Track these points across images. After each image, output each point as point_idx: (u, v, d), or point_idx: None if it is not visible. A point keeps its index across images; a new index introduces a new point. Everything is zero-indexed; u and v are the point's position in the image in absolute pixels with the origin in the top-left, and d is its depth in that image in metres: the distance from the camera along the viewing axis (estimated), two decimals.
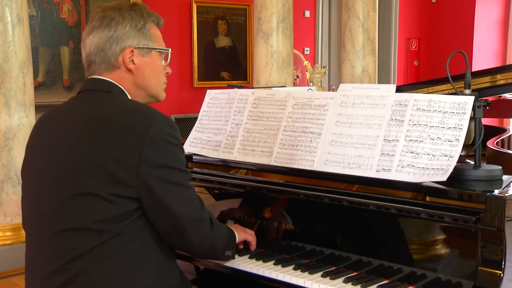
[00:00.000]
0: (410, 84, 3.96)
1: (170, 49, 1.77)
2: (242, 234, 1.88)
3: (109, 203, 1.50)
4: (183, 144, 2.37)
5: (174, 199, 1.56)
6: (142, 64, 1.68)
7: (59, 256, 1.53)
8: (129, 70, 1.67)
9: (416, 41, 8.64)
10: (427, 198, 1.70)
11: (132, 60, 1.66)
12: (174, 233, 1.60)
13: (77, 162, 1.53)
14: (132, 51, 1.66)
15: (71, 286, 1.51)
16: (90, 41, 1.65)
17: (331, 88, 6.45)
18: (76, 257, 1.51)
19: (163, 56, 1.75)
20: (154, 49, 1.71)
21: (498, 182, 1.72)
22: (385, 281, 1.69)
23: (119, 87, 1.66)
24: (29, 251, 1.64)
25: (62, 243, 1.53)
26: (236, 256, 1.89)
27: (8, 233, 4.03)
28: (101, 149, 1.51)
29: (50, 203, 1.56)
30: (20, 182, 4.08)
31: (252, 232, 1.93)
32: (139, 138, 1.51)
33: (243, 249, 1.92)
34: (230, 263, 1.86)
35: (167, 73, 1.79)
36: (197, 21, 6.54)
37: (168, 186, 1.55)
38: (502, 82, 2.66)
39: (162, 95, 1.80)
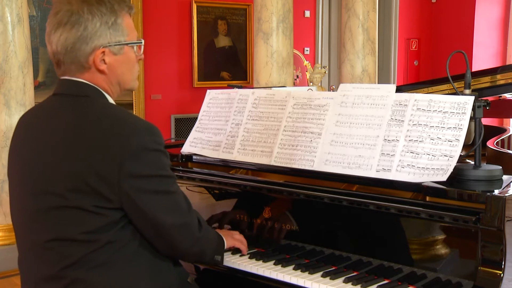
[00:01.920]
0: (410, 84, 3.96)
1: (143, 41, 1.66)
2: (230, 240, 1.85)
3: (95, 215, 1.47)
4: (182, 144, 2.37)
5: (157, 209, 1.51)
6: (114, 62, 1.58)
7: (51, 264, 1.51)
8: (101, 71, 1.57)
9: (416, 41, 8.64)
10: (427, 198, 1.70)
11: (104, 60, 1.56)
12: (161, 241, 1.56)
13: (59, 174, 1.48)
14: (103, 51, 1.55)
15: None
16: (57, 39, 1.54)
17: (331, 88, 6.45)
18: (69, 265, 1.48)
19: (136, 46, 1.64)
20: (127, 44, 1.60)
21: (498, 182, 1.72)
22: (385, 281, 1.69)
23: (96, 89, 1.58)
24: (22, 256, 1.62)
25: (53, 252, 1.50)
26: (237, 256, 1.89)
27: (8, 233, 4.02)
28: (82, 163, 1.46)
29: (34, 211, 1.52)
30: None
31: (240, 238, 1.91)
32: (118, 151, 1.45)
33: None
34: (230, 263, 1.86)
35: (140, 59, 1.67)
36: (197, 21, 6.54)
37: (151, 196, 1.50)
38: (502, 82, 2.66)
39: (135, 85, 1.69)
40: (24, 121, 1.67)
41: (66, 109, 1.56)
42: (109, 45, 1.56)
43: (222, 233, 1.84)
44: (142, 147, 1.47)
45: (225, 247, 1.81)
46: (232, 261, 1.87)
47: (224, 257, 1.80)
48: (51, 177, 1.49)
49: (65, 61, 1.56)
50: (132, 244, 1.54)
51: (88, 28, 1.52)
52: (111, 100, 1.63)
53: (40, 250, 1.53)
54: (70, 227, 1.48)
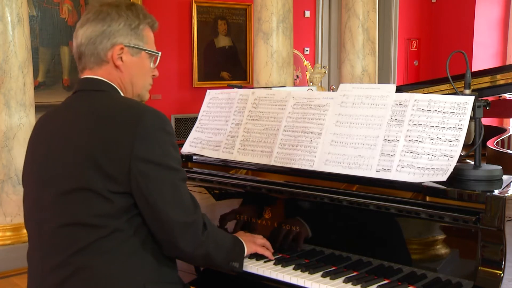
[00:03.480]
0: (410, 84, 3.96)
1: (160, 53, 1.77)
2: (252, 246, 1.83)
3: (105, 199, 1.51)
4: (182, 144, 2.37)
5: (160, 198, 1.53)
6: (130, 62, 1.69)
7: (60, 251, 1.54)
8: (117, 67, 1.67)
9: (416, 41, 8.64)
10: (427, 198, 1.70)
11: (121, 57, 1.67)
12: (162, 235, 1.57)
13: (72, 158, 1.54)
14: (122, 48, 1.66)
15: (72, 280, 1.52)
16: (83, 32, 1.66)
17: (331, 88, 6.45)
18: (77, 251, 1.52)
19: (152, 58, 1.75)
20: (144, 50, 1.71)
21: (498, 182, 1.72)
22: (385, 281, 1.69)
23: (111, 85, 1.68)
24: (31, 246, 1.66)
25: (62, 238, 1.54)
26: None
27: (8, 233, 4.03)
28: (95, 146, 1.52)
29: (48, 199, 1.57)
30: (20, 182, 4.09)
31: (263, 242, 1.88)
32: (130, 132, 1.51)
33: None
34: None
35: (153, 75, 1.79)
36: (197, 21, 6.54)
37: (157, 184, 1.52)
38: (502, 82, 2.66)
39: (146, 96, 1.80)
40: (41, 119, 1.75)
41: (82, 100, 1.66)
42: (128, 45, 1.67)
43: (244, 238, 1.82)
44: (153, 128, 1.54)
45: (246, 253, 1.79)
46: None
47: None
48: (65, 161, 1.55)
49: (86, 53, 1.67)
50: (139, 237, 1.56)
51: (112, 25, 1.65)
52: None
53: (51, 238, 1.56)
54: (82, 210, 1.52)
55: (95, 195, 1.50)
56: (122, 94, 1.70)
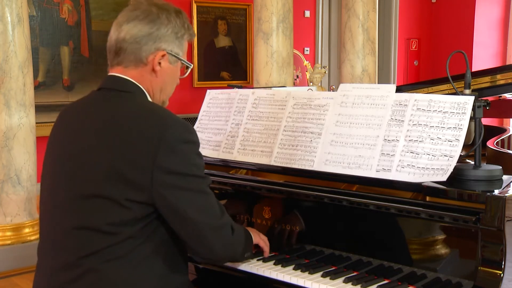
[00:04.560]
0: (410, 84, 3.96)
1: (192, 65, 1.78)
2: (256, 237, 1.86)
3: (123, 208, 1.50)
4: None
5: (191, 207, 1.53)
6: (167, 69, 1.68)
7: (70, 252, 1.54)
8: (154, 71, 1.66)
9: (416, 41, 8.64)
10: (427, 198, 1.70)
11: (160, 63, 1.66)
12: (195, 241, 1.58)
13: (93, 162, 1.53)
14: (164, 55, 1.65)
15: (81, 282, 1.52)
16: (129, 29, 1.62)
17: (331, 88, 6.45)
18: (87, 255, 1.52)
19: (186, 68, 1.76)
20: (182, 60, 1.72)
21: (498, 182, 1.72)
22: (385, 281, 1.69)
23: (140, 88, 1.65)
24: (42, 243, 1.66)
25: (74, 240, 1.54)
26: None
27: (8, 233, 4.03)
28: (117, 152, 1.51)
29: (64, 199, 1.57)
30: (20, 182, 4.09)
31: (265, 238, 1.90)
32: (154, 143, 1.49)
33: None
34: (230, 263, 1.86)
35: (176, 83, 1.79)
36: (197, 21, 6.55)
37: (184, 194, 1.53)
38: (502, 82, 2.66)
39: (167, 102, 1.80)
40: (65, 112, 1.73)
41: (108, 101, 1.64)
42: (170, 53, 1.67)
43: (249, 229, 1.86)
44: (177, 140, 1.52)
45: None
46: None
47: None
48: (87, 165, 1.54)
49: (127, 50, 1.63)
50: (150, 243, 1.56)
51: (161, 29, 1.64)
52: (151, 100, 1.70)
53: (63, 237, 1.56)
54: (98, 217, 1.51)
55: (113, 203, 1.50)
56: (149, 98, 1.68)
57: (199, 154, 1.59)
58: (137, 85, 1.65)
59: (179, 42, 1.68)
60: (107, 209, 1.50)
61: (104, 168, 1.50)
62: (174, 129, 1.52)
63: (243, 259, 1.79)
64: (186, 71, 1.77)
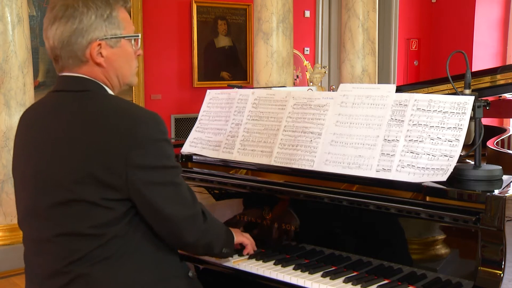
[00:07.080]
0: (410, 84, 3.96)
1: (139, 35, 1.66)
2: (239, 236, 1.87)
3: (103, 208, 1.48)
4: (182, 144, 2.37)
5: (163, 200, 1.52)
6: (111, 55, 1.57)
7: (56, 260, 1.52)
8: (98, 64, 1.56)
9: (416, 41, 8.64)
10: (427, 198, 1.70)
11: (101, 53, 1.55)
12: (168, 233, 1.58)
13: (65, 168, 1.49)
14: (99, 44, 1.54)
15: (71, 287, 1.51)
16: (53, 34, 1.53)
17: (331, 88, 6.45)
18: (74, 261, 1.50)
19: (134, 40, 1.63)
20: (123, 37, 1.59)
21: (498, 182, 1.72)
22: (385, 281, 1.69)
23: (96, 83, 1.58)
24: (28, 249, 1.63)
25: (58, 248, 1.51)
26: (236, 256, 1.89)
27: (8, 233, 4.03)
28: (88, 155, 1.47)
29: (44, 208, 1.53)
30: None
31: (248, 236, 1.91)
32: (124, 143, 1.46)
33: (243, 249, 1.92)
34: (230, 263, 1.86)
35: (138, 55, 1.67)
36: (197, 21, 6.54)
37: (156, 188, 1.51)
38: (502, 82, 2.66)
39: (135, 81, 1.70)
40: (26, 119, 1.68)
41: (69, 104, 1.56)
42: (105, 38, 1.55)
43: (232, 229, 1.85)
44: (147, 138, 1.49)
45: (234, 241, 1.82)
46: (232, 261, 1.87)
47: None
48: (57, 172, 1.50)
49: (62, 56, 1.56)
50: (135, 238, 1.54)
51: (84, 21, 1.52)
52: (111, 93, 1.63)
53: (47, 245, 1.54)
54: (79, 221, 1.49)
55: (92, 205, 1.47)
56: (109, 91, 1.61)
57: (168, 141, 1.55)
58: (93, 81, 1.57)
59: (110, 22, 1.55)
60: (86, 212, 1.48)
61: (78, 173, 1.47)
62: (142, 127, 1.49)
63: (221, 254, 1.77)
64: (137, 43, 1.64)
